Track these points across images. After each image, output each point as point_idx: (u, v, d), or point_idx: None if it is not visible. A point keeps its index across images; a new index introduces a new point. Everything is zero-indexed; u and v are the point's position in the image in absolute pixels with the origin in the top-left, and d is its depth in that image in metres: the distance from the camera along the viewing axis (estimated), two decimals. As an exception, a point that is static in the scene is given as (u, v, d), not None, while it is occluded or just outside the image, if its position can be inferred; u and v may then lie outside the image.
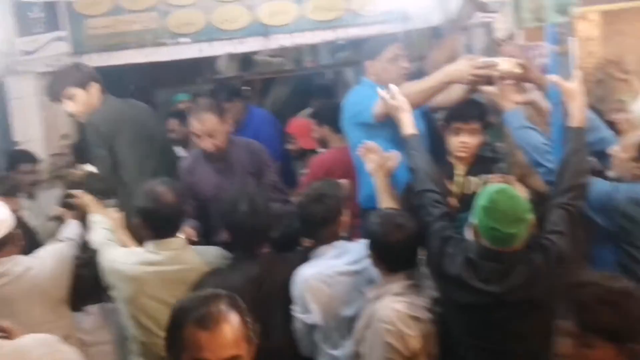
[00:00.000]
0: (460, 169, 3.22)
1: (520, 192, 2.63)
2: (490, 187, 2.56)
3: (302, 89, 6.16)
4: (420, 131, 3.08)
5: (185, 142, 4.72)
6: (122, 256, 3.00)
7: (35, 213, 4.07)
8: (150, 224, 2.95)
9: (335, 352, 2.76)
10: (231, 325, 1.76)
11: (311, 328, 2.82)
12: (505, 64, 3.03)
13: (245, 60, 6.13)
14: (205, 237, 3.35)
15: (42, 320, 2.86)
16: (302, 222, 2.98)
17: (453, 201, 3.09)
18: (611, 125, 3.32)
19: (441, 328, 2.66)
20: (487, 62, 3.06)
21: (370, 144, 3.16)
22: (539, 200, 2.87)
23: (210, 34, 4.14)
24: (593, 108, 3.30)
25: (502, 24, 3.53)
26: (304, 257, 2.92)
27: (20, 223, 3.19)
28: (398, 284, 2.65)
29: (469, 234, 2.60)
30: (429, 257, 2.71)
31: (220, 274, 2.86)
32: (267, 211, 2.97)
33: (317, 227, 2.91)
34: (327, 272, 2.80)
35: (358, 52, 4.29)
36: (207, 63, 5.61)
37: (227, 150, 3.55)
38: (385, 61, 3.49)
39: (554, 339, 1.94)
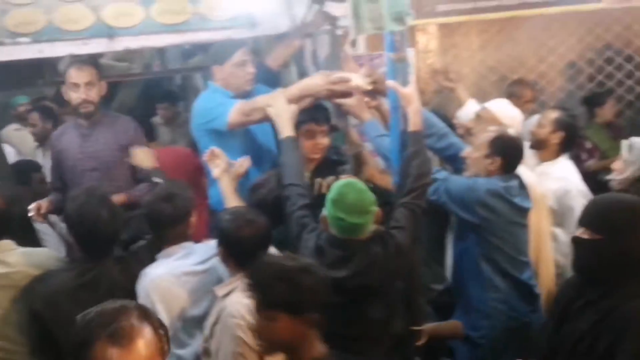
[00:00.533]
0: (308, 171, 3.31)
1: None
2: (339, 182, 2.77)
3: (149, 94, 6.07)
4: None
5: (43, 137, 4.90)
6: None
7: None
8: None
9: (181, 352, 2.74)
10: (145, 339, 1.61)
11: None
12: (358, 79, 3.21)
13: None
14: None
15: None
16: (150, 222, 2.94)
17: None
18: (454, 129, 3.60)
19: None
20: (342, 78, 3.24)
21: (216, 150, 3.20)
22: (387, 199, 3.05)
23: (51, 34, 3.96)
24: (439, 114, 3.55)
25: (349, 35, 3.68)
26: (151, 258, 2.88)
27: None
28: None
29: (321, 226, 2.78)
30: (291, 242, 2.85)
31: (52, 277, 2.82)
32: (115, 214, 2.90)
33: (165, 226, 2.89)
34: (174, 272, 2.78)
35: (207, 57, 4.30)
36: (49, 65, 5.37)
37: (96, 117, 3.69)
38: (233, 66, 3.53)
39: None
